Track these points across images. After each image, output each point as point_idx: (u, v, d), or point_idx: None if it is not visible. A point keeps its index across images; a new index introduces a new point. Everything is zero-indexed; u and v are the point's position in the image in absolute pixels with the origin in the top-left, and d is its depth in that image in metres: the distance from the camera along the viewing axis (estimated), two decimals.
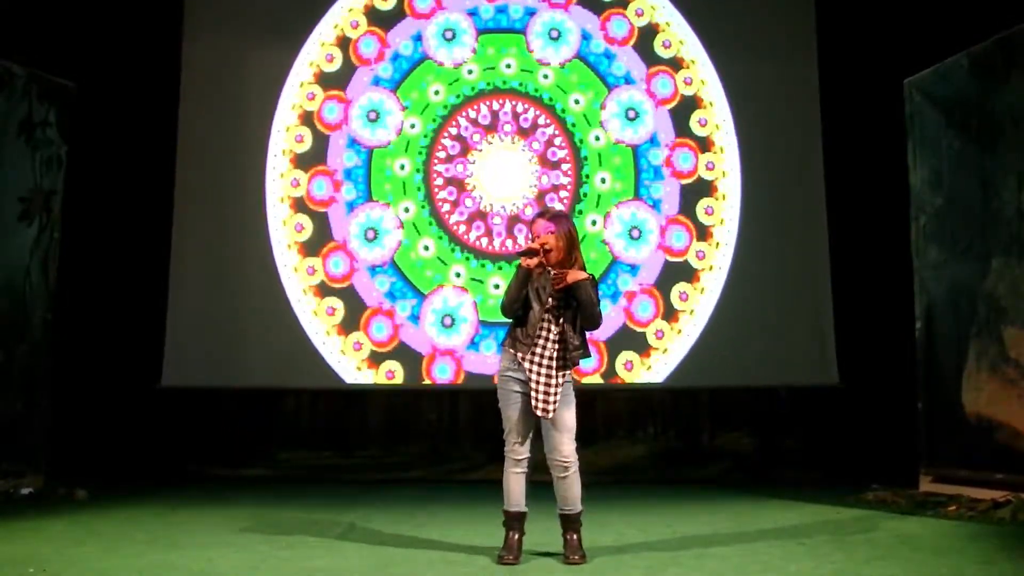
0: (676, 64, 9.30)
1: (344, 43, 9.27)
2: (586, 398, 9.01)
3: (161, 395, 8.92)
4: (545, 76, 9.22)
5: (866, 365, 8.79)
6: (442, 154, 9.09)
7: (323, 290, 8.91)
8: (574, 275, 4.68)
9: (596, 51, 9.25)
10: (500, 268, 8.86)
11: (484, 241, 8.94)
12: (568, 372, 4.76)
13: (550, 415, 4.66)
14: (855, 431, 8.82)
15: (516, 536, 4.74)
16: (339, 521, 6.21)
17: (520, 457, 4.71)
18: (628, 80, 9.22)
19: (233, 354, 8.92)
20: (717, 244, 9.02)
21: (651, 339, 8.86)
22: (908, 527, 5.80)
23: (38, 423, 7.84)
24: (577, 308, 4.75)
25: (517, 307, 4.77)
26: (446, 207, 9.00)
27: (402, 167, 9.08)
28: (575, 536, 4.76)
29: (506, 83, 9.22)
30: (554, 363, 4.70)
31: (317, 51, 9.26)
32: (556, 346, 4.72)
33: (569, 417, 4.75)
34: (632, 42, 9.28)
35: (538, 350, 4.71)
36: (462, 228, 8.97)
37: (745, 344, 8.88)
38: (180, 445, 9.05)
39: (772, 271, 9.02)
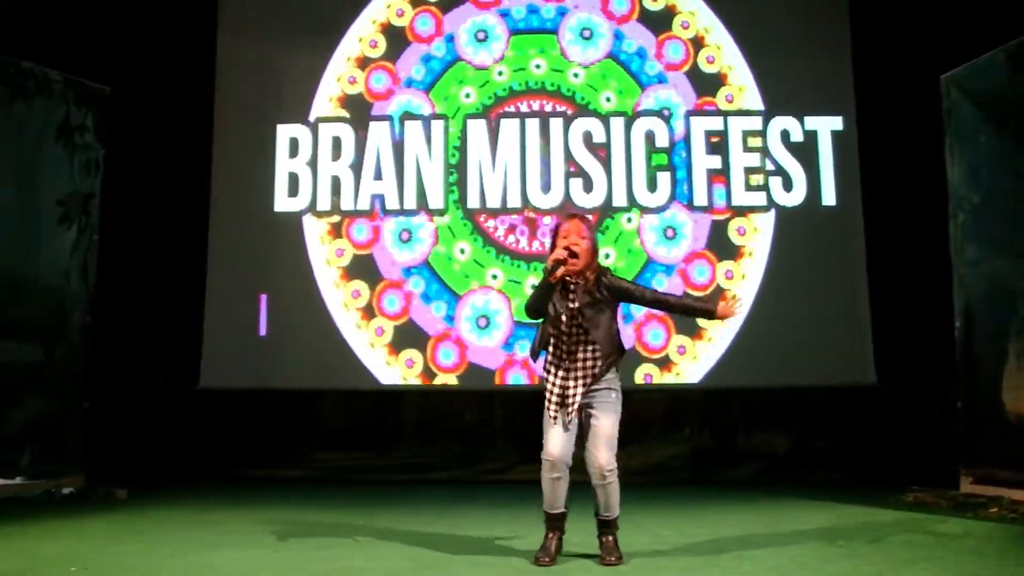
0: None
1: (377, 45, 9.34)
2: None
3: (199, 396, 8.99)
4: (576, 75, 9.21)
5: (904, 364, 8.69)
6: (474, 157, 9.12)
7: (368, 310, 8.98)
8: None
9: (628, 50, 9.22)
10: (535, 269, 8.85)
11: (519, 241, 8.96)
12: (606, 378, 4.73)
13: (570, 420, 4.66)
14: (893, 431, 8.70)
15: (554, 537, 4.72)
16: (374, 521, 6.23)
17: (555, 460, 4.65)
18: (661, 79, 9.19)
19: (269, 355, 8.96)
20: (751, 253, 8.97)
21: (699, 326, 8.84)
22: (948, 529, 5.73)
23: (78, 424, 7.92)
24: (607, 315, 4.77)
25: (540, 315, 4.76)
26: (477, 207, 9.05)
27: (436, 168, 9.13)
28: (611, 538, 4.74)
29: (537, 83, 9.22)
30: (580, 372, 4.70)
31: (354, 50, 9.33)
32: (585, 360, 4.71)
33: (608, 425, 4.70)
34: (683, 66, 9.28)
35: (569, 365, 4.70)
36: (498, 230, 8.99)
37: (781, 344, 8.78)
38: (217, 446, 9.12)
39: (808, 269, 8.93)
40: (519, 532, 5.53)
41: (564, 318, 4.70)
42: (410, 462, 9.24)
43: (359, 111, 9.28)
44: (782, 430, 9.19)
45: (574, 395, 4.68)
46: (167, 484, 8.32)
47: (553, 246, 4.77)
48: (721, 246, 8.97)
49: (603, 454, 4.66)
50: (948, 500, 6.90)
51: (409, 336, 8.91)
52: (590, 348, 4.71)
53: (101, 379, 8.34)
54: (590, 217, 5.02)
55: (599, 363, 4.72)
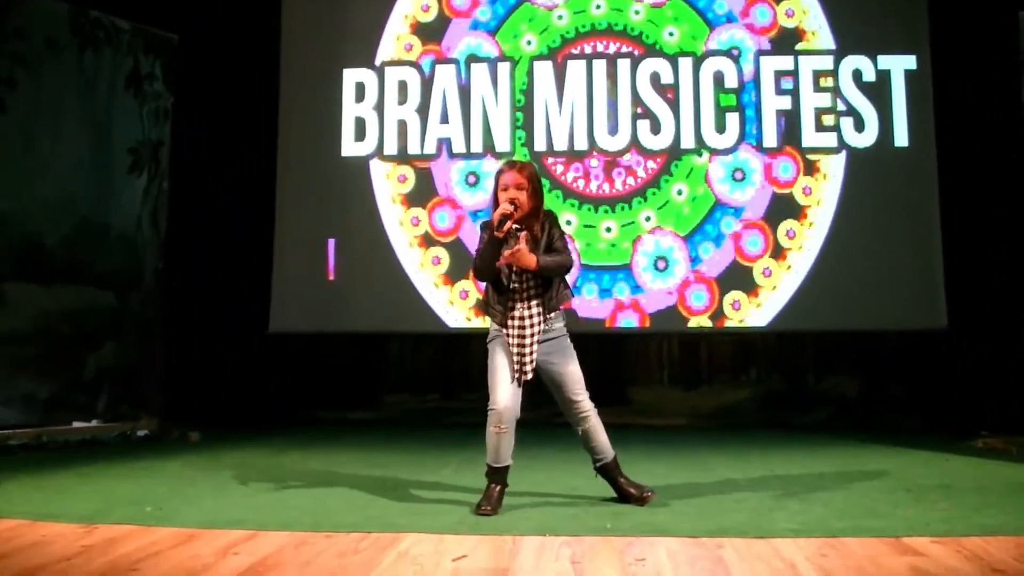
0: None
1: None
2: (690, 341, 9.08)
3: (269, 340, 9.12)
4: (636, 12, 9.09)
5: (976, 308, 8.51)
6: (540, 99, 9.07)
7: (427, 240, 9.01)
8: (525, 257, 4.48)
9: None
10: (607, 212, 8.84)
11: (587, 184, 8.92)
12: (551, 322, 4.68)
13: (528, 375, 4.63)
14: (964, 376, 8.55)
15: (498, 488, 4.62)
16: (444, 463, 6.31)
17: (502, 411, 4.62)
18: (730, 18, 9.04)
19: (338, 300, 9.06)
20: (825, 176, 8.83)
21: (759, 277, 8.75)
22: (1019, 476, 5.67)
23: (152, 368, 8.14)
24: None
25: (492, 274, 4.65)
26: (543, 150, 9.01)
27: (503, 111, 9.10)
28: (625, 478, 4.75)
29: (602, 23, 9.11)
30: (528, 323, 4.63)
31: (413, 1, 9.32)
32: (531, 303, 4.64)
33: (574, 370, 4.72)
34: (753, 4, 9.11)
35: (516, 313, 4.62)
36: (570, 176, 8.96)
37: (851, 286, 8.66)
38: (288, 389, 9.27)
39: (879, 211, 8.76)
40: (586, 473, 5.54)
41: (507, 271, 4.62)
42: (478, 405, 9.28)
43: (424, 54, 9.27)
44: (852, 374, 9.11)
45: (531, 353, 4.63)
46: (239, 427, 8.50)
47: (495, 199, 4.65)
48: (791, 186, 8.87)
49: (583, 397, 4.73)
50: (1018, 446, 6.81)
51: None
52: (535, 301, 4.65)
53: (174, 324, 8.52)
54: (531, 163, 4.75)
55: (545, 314, 4.66)
